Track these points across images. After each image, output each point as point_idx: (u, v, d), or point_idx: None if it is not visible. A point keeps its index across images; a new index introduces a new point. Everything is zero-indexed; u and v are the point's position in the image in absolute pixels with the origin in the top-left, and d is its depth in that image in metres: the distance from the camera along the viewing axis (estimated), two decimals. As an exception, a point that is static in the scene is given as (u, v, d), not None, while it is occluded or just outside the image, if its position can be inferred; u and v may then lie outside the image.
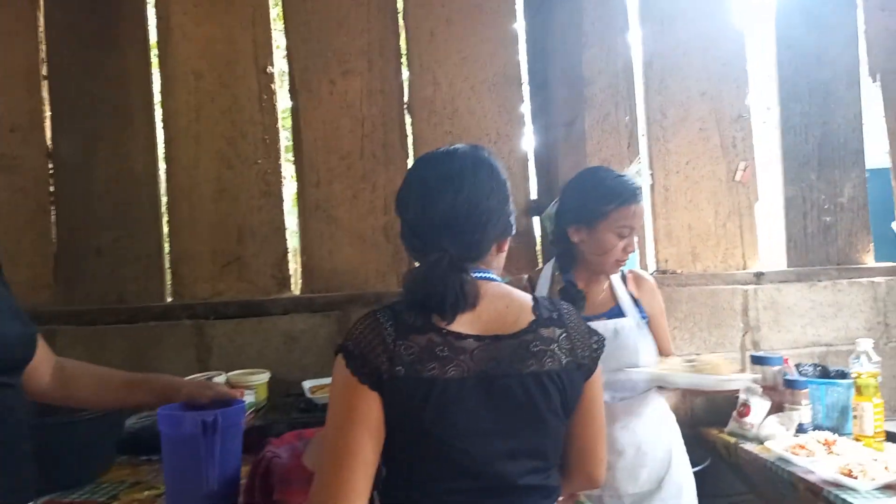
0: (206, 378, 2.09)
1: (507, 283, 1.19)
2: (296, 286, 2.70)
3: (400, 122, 2.69)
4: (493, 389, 1.05)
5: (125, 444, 1.94)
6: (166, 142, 2.63)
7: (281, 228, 2.63)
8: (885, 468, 1.70)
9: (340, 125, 2.65)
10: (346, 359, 1.04)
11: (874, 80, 2.88)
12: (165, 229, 2.65)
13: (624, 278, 1.88)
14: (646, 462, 1.76)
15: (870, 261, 2.79)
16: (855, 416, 2.04)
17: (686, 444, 1.88)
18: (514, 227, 1.20)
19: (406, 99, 2.70)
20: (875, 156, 2.91)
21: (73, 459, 1.74)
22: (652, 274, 2.44)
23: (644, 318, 1.81)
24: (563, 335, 1.10)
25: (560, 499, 1.18)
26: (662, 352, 1.85)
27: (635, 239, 1.75)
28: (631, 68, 2.71)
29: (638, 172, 2.58)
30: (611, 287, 1.84)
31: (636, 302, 1.83)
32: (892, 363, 2.62)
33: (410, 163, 2.71)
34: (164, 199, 2.65)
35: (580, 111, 2.65)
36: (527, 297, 1.15)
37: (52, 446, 1.66)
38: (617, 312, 1.79)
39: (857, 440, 2.01)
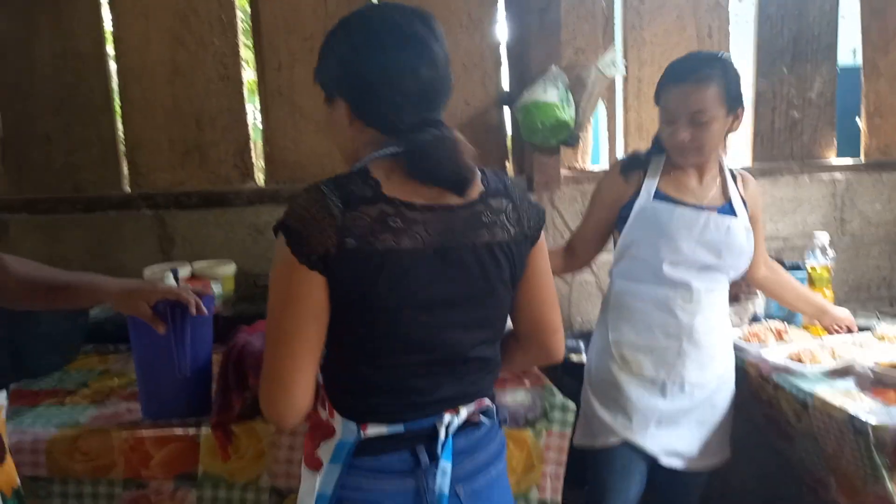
0: (170, 269, 2.06)
1: None
2: (259, 177, 2.62)
3: (366, 1, 2.53)
4: (448, 260, 1.03)
5: (92, 333, 1.93)
6: (113, 19, 2.44)
7: (241, 116, 2.51)
8: (832, 354, 1.80)
9: (302, 3, 2.48)
10: (286, 237, 0.98)
11: (854, -29, 2.80)
12: (119, 115, 2.51)
13: (734, 177, 1.82)
14: (715, 355, 1.78)
15: (832, 157, 2.84)
16: (805, 307, 2.14)
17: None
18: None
19: (372, -25, 2.53)
20: (843, 53, 2.88)
21: (39, 348, 1.73)
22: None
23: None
24: (510, 206, 1.09)
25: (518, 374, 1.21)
26: (758, 255, 1.84)
27: (686, 131, 1.63)
28: (610, -52, 2.58)
29: (612, 62, 2.51)
30: (724, 183, 1.78)
31: (743, 201, 1.79)
32: (845, 257, 2.73)
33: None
34: (114, 82, 2.49)
35: (554, -9, 2.53)
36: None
37: (15, 335, 1.64)
38: (729, 210, 1.74)
39: (806, 329, 2.12)
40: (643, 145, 2.69)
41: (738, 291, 2.26)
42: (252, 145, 2.57)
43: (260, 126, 2.62)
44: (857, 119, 2.90)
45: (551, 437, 1.54)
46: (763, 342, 1.94)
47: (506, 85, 2.64)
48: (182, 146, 2.48)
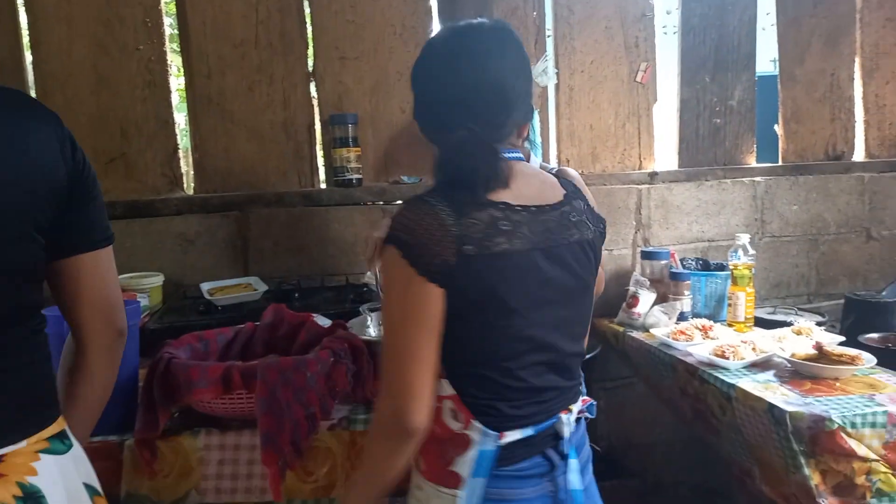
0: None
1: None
2: (189, 186, 2.56)
3: (298, 8, 2.51)
4: (551, 259, 1.06)
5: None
6: (30, 24, 2.34)
7: (169, 123, 2.45)
8: (753, 349, 1.88)
9: (232, 10, 2.44)
10: (402, 251, 0.98)
11: (769, -16, 2.95)
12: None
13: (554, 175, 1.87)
14: None
15: (752, 162, 2.97)
16: (730, 304, 2.23)
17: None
18: (534, 112, 1.18)
19: (304, -16, 2.51)
20: (765, 63, 3.02)
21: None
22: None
23: None
24: (586, 206, 1.16)
25: None
26: None
27: None
28: (540, -40, 2.64)
29: (544, 71, 2.56)
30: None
31: None
32: (766, 256, 2.85)
33: (311, 54, 2.56)
34: (33, 91, 2.38)
35: (488, 3, 2.58)
36: (550, 174, 1.18)
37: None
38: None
39: (730, 325, 2.20)
40: (575, 152, 2.77)
41: (667, 291, 2.34)
42: (181, 153, 2.50)
43: (188, 133, 2.56)
44: (776, 125, 3.04)
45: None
46: (690, 339, 2.01)
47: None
48: (106, 155, 2.39)
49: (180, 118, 2.70)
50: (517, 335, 1.05)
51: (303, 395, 1.35)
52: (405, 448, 1.01)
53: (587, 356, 2.16)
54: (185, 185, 2.51)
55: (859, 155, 3.10)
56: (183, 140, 2.63)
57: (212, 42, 2.44)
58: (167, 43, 2.45)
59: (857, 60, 3.05)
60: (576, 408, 1.15)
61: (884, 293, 2.49)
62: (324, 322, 1.68)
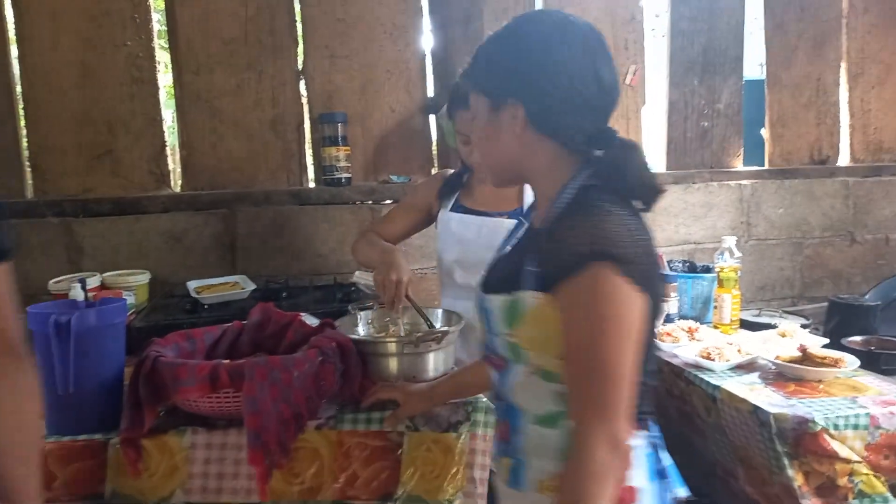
0: (77, 279, 1.96)
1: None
2: (176, 183, 2.54)
3: (288, 6, 2.50)
4: None
5: None
6: (17, 18, 2.31)
7: (157, 120, 2.43)
8: (738, 351, 1.89)
9: (221, 6, 2.43)
10: (617, 265, 0.91)
11: (757, -11, 2.97)
12: (23, 119, 2.38)
13: None
14: None
15: (739, 165, 2.99)
16: (716, 307, 2.24)
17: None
18: None
19: (295, -19, 2.50)
20: (753, 67, 3.05)
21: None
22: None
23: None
24: None
25: None
26: None
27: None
28: (531, -39, 2.64)
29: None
30: (521, 189, 1.80)
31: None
32: (751, 259, 2.88)
33: (300, 52, 2.55)
34: (18, 85, 2.36)
35: (479, 5, 2.58)
36: None
37: None
38: (518, 213, 1.75)
39: (716, 327, 2.22)
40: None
41: (654, 293, 2.35)
42: (168, 150, 2.49)
43: (176, 130, 2.54)
44: (762, 129, 3.07)
45: (475, 441, 1.55)
46: (676, 341, 2.03)
47: (431, 92, 2.66)
48: (92, 151, 2.37)
49: (168, 115, 2.68)
50: (654, 349, 1.05)
51: (290, 394, 1.34)
52: (624, 474, 0.94)
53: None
54: (172, 183, 2.49)
55: (844, 159, 3.13)
56: (171, 137, 2.61)
57: (200, 39, 2.42)
58: (155, 39, 2.43)
59: (843, 65, 3.08)
60: None
61: (867, 296, 2.52)
62: (312, 321, 1.67)
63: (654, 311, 0.99)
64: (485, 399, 1.59)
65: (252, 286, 2.09)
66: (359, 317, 1.76)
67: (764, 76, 3.04)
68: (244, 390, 1.31)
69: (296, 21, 2.52)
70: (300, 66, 2.53)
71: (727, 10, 2.90)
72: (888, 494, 1.55)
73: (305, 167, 2.57)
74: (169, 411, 1.47)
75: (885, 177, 3.09)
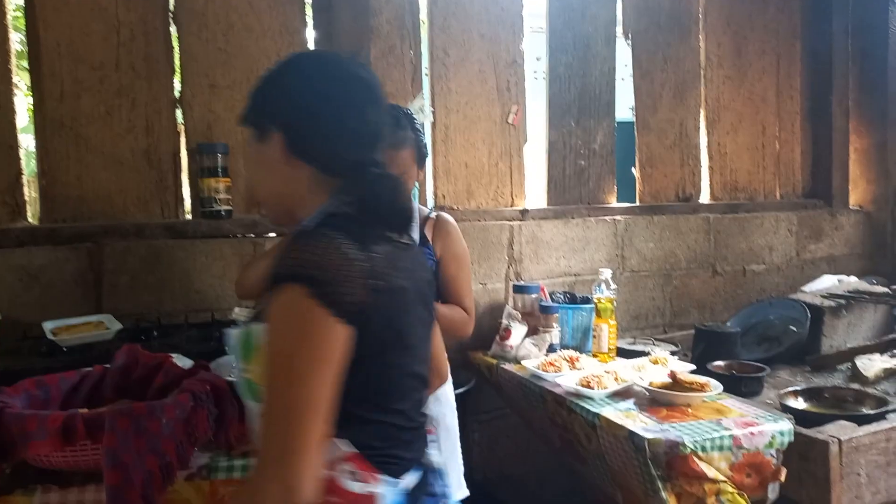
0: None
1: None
2: (34, 215, 2.33)
3: (165, 33, 2.40)
4: (418, 296, 1.06)
5: None
6: None
7: (13, 147, 2.23)
8: (615, 378, 1.97)
9: (91, 30, 2.29)
10: (311, 288, 0.86)
11: (626, 39, 3.21)
12: None
13: (426, 219, 1.87)
14: None
15: (613, 201, 3.17)
16: (594, 336, 2.34)
17: (453, 367, 2.00)
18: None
19: (172, 7, 2.41)
20: (621, 109, 3.27)
21: None
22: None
23: (432, 260, 1.81)
24: (423, 246, 1.17)
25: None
26: (448, 297, 1.84)
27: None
28: (417, 2, 2.70)
29: (421, 108, 2.62)
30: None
31: (427, 243, 1.82)
32: (626, 290, 3.04)
33: (177, 80, 2.45)
34: None
35: (366, 41, 2.60)
36: None
37: None
38: None
39: (595, 356, 2.31)
40: (451, 188, 2.83)
41: (538, 324, 2.42)
42: (26, 180, 2.29)
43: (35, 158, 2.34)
44: (633, 168, 3.28)
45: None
46: (558, 370, 2.09)
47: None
48: (-66, 180, 2.14)
49: (28, 140, 2.47)
50: (409, 372, 1.04)
51: (157, 443, 1.25)
52: None
53: (461, 390, 2.18)
54: (29, 215, 2.29)
55: (705, 197, 3.41)
56: (28, 165, 2.41)
57: (67, 63, 2.26)
58: (13, 60, 2.25)
59: (702, 112, 3.38)
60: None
61: (728, 323, 2.72)
62: (184, 363, 1.57)
63: (383, 345, 0.95)
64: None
65: (118, 326, 1.94)
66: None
67: (634, 117, 3.27)
68: (104, 442, 1.20)
69: (173, 48, 2.42)
70: (178, 95, 2.43)
71: (600, 58, 3.10)
72: (751, 510, 1.66)
73: (182, 199, 2.45)
74: (16, 468, 1.32)
75: (740, 213, 3.39)
